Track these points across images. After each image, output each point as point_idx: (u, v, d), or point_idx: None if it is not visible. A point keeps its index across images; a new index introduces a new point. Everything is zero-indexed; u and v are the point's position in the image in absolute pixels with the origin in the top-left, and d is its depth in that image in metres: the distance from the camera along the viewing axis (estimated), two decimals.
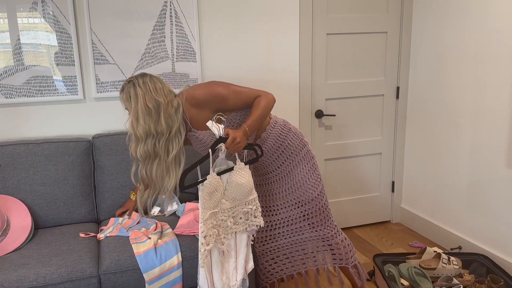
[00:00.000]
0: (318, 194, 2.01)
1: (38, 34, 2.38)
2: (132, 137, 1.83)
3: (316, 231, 2.06)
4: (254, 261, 2.05)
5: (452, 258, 2.53)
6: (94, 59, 2.50)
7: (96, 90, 2.54)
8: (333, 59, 3.06)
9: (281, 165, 2.00)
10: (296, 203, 2.03)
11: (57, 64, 2.44)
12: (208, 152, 1.68)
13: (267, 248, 2.08)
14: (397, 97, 3.29)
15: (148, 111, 1.76)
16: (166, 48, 2.64)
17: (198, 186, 1.68)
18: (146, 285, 1.85)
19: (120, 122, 2.62)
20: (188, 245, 1.98)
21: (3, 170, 2.23)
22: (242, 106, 1.86)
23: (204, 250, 1.67)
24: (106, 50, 2.52)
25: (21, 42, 2.36)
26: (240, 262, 1.82)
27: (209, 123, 1.69)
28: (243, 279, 1.87)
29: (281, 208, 2.04)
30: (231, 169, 1.74)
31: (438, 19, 2.93)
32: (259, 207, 1.82)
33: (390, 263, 2.59)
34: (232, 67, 2.81)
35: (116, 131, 2.56)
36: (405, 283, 2.42)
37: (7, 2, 2.30)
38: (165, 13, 2.59)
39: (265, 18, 2.80)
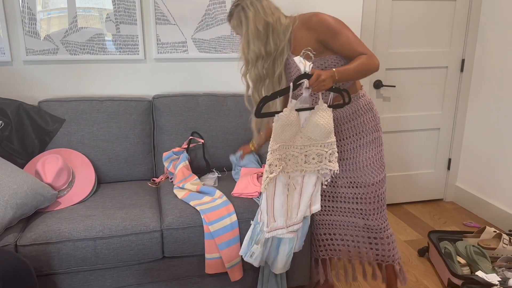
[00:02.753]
0: (379, 181, 1.90)
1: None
2: (243, 61, 1.84)
3: (366, 219, 1.96)
4: (311, 230, 2.04)
5: None
6: (156, 19, 2.49)
7: (157, 50, 2.55)
8: (397, 26, 2.91)
9: (346, 138, 1.91)
10: (350, 183, 1.95)
11: (120, 23, 2.45)
12: (289, 85, 1.61)
13: (326, 220, 2.03)
14: (462, 70, 3.12)
15: (258, 34, 1.74)
16: (226, 9, 2.59)
17: (274, 116, 1.63)
18: (206, 226, 1.89)
19: (179, 84, 2.62)
20: (246, 207, 1.98)
21: (68, 125, 2.29)
22: (344, 53, 1.75)
23: (267, 177, 1.66)
24: (168, 10, 2.50)
25: (79, 6, 2.38)
26: (305, 200, 1.79)
27: (297, 59, 1.61)
28: (305, 217, 1.85)
29: (340, 183, 1.98)
30: (311, 108, 1.67)
31: None
32: (336, 153, 1.74)
33: (446, 240, 2.51)
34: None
35: (176, 92, 2.57)
36: (462, 261, 2.34)
37: None
38: None
39: None
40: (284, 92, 1.63)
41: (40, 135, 2.26)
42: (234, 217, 1.95)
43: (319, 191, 1.83)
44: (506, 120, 2.85)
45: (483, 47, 3.01)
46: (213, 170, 2.40)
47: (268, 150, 1.65)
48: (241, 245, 1.93)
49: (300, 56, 1.62)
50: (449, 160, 3.31)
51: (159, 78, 2.60)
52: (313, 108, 1.67)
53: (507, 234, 2.49)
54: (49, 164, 2.07)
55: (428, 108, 3.16)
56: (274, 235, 1.79)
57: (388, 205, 3.28)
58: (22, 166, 2.17)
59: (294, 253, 1.91)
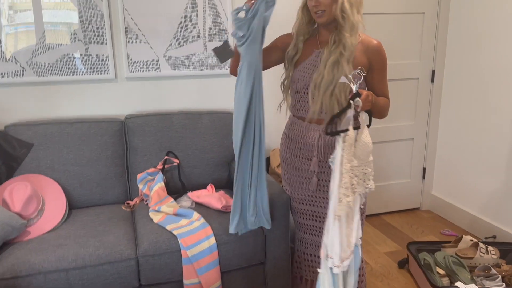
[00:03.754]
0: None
1: (66, 13, 2.33)
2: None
3: None
4: (297, 247, 2.00)
5: (489, 247, 2.46)
6: (126, 38, 2.44)
7: (128, 69, 2.49)
8: None
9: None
10: None
11: (89, 42, 2.39)
12: (349, 103, 1.54)
13: (313, 240, 1.95)
14: (432, 80, 3.18)
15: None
16: (198, 27, 2.56)
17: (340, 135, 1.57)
18: (184, 251, 1.84)
19: (152, 103, 2.57)
20: (224, 229, 1.94)
21: (36, 149, 2.20)
22: (375, 87, 1.76)
23: (348, 201, 1.57)
24: (138, 29, 2.46)
25: (47, 21, 2.31)
26: (355, 226, 1.68)
27: (343, 79, 1.57)
28: (355, 246, 1.71)
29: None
30: (358, 127, 1.61)
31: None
32: (373, 171, 1.70)
33: (425, 251, 2.53)
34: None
35: (149, 111, 2.51)
36: (441, 272, 2.36)
37: None
38: None
39: None
40: (345, 110, 1.58)
41: (7, 161, 2.16)
42: (212, 240, 1.90)
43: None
44: (477, 128, 2.91)
45: (452, 57, 3.08)
46: (190, 191, 2.34)
47: (343, 171, 1.58)
48: (221, 269, 1.89)
49: (352, 74, 1.57)
50: (424, 169, 3.36)
51: (132, 98, 2.54)
52: (359, 127, 1.61)
53: (483, 243, 2.53)
54: (17, 192, 1.98)
55: (401, 119, 3.20)
56: (343, 269, 1.62)
57: (366, 216, 3.29)
58: None
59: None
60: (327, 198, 1.85)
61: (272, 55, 1.86)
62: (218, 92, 2.71)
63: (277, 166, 2.64)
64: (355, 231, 1.70)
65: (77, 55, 2.39)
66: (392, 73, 3.02)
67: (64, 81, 2.40)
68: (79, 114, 2.46)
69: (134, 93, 2.54)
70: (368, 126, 1.70)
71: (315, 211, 1.91)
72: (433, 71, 3.16)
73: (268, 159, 2.80)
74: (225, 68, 2.66)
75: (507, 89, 2.66)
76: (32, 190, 2.02)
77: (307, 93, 1.76)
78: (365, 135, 1.65)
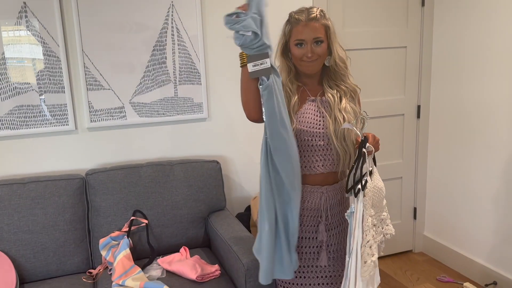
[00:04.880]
0: None
1: (23, 48, 2.09)
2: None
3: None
4: None
5: None
6: (87, 85, 2.21)
7: (90, 119, 2.25)
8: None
9: None
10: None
11: (45, 91, 2.14)
12: (362, 152, 1.44)
13: None
14: (418, 116, 3.03)
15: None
16: (167, 70, 2.35)
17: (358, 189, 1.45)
18: None
19: (118, 155, 2.32)
20: None
21: None
22: None
23: (371, 262, 1.45)
24: (100, 74, 2.23)
25: (6, 57, 2.07)
26: (375, 280, 1.57)
27: (348, 124, 1.47)
28: None
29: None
30: (370, 172, 1.49)
31: (460, 32, 2.68)
32: (388, 214, 1.59)
33: None
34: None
35: (114, 164, 2.26)
36: None
37: None
38: (166, 32, 2.32)
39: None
40: (359, 157, 1.45)
41: None
42: None
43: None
44: (467, 165, 2.75)
45: (437, 92, 2.94)
46: (159, 257, 2.07)
47: (365, 228, 1.43)
48: None
49: (354, 121, 1.50)
50: (415, 209, 3.17)
51: (94, 150, 2.29)
52: (371, 173, 1.49)
53: None
54: None
55: (388, 157, 3.02)
56: None
57: None
58: None
59: None
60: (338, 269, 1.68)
61: None
62: (191, 138, 2.48)
63: None
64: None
65: (32, 105, 2.13)
66: (376, 110, 2.88)
67: (16, 135, 2.14)
68: (34, 171, 2.19)
69: (97, 144, 2.29)
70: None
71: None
72: (419, 106, 3.01)
73: (248, 209, 2.56)
74: (198, 112, 2.45)
75: (494, 124, 2.52)
76: None
77: (310, 144, 1.56)
78: (378, 179, 1.51)
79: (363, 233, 1.45)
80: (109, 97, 2.27)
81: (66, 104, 2.19)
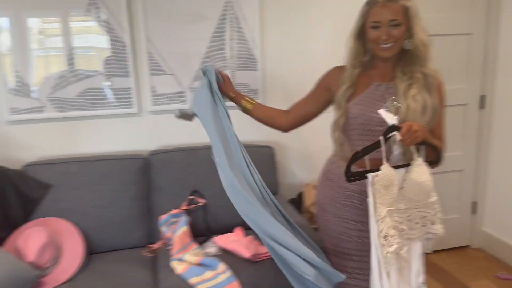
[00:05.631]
0: None
1: (90, 38, 2.22)
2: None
3: None
4: None
5: None
6: (150, 70, 2.32)
7: (152, 102, 2.36)
8: None
9: None
10: None
11: (112, 76, 2.27)
12: (379, 140, 1.42)
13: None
14: (482, 106, 2.89)
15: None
16: (225, 56, 2.41)
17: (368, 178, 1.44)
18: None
19: (178, 137, 2.42)
20: (255, 283, 1.73)
21: (55, 190, 2.08)
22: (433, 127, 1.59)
23: (387, 253, 1.42)
24: (163, 60, 2.33)
25: (73, 46, 2.21)
26: (414, 275, 1.52)
27: (382, 110, 1.43)
28: None
29: None
30: (407, 164, 1.47)
31: None
32: (439, 213, 1.52)
33: None
34: (296, 75, 2.54)
35: (174, 146, 2.36)
36: None
37: (60, 8, 2.16)
38: (225, 19, 2.37)
39: (334, 20, 2.51)
40: (374, 148, 1.44)
41: (24, 203, 2.04)
42: None
43: (421, 260, 1.54)
44: None
45: (504, 81, 2.79)
46: (215, 236, 2.15)
47: (376, 218, 1.43)
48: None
49: (386, 108, 1.44)
50: (474, 203, 3.04)
51: (156, 132, 2.40)
52: (408, 165, 1.45)
53: None
54: (32, 239, 1.85)
55: (448, 148, 2.91)
56: None
57: None
58: (3, 240, 1.95)
59: None
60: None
61: (320, 98, 1.70)
62: (246, 124, 2.52)
63: (312, 204, 2.41)
64: (414, 282, 1.52)
65: (99, 89, 2.27)
66: None
67: (85, 116, 2.29)
68: (101, 151, 2.33)
69: (158, 127, 2.40)
70: (434, 163, 1.51)
71: (361, 268, 1.66)
72: (482, 97, 2.87)
73: (300, 195, 2.59)
74: (257, 98, 2.48)
75: None
76: (48, 236, 1.88)
77: (368, 129, 1.55)
78: (420, 173, 1.44)
79: (376, 223, 1.42)
80: (170, 82, 2.37)
81: (130, 88, 2.31)
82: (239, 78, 2.45)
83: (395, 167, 1.46)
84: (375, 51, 1.52)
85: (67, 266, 1.89)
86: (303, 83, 2.53)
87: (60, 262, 1.90)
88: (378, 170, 1.42)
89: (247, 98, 1.80)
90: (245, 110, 1.80)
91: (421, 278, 1.54)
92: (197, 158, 2.28)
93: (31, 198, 2.05)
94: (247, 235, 2.15)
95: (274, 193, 2.40)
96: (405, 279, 1.50)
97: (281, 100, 2.53)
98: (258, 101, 2.47)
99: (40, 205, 2.06)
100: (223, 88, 1.75)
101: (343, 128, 1.64)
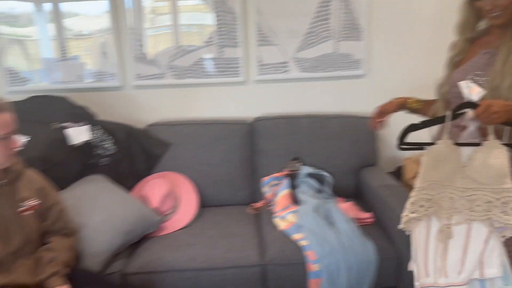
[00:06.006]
0: None
1: (202, 16, 2.41)
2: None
3: None
4: None
5: None
6: (258, 41, 2.45)
7: (258, 72, 2.49)
8: None
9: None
10: None
11: (223, 46, 2.44)
12: (446, 113, 1.40)
13: None
14: None
15: None
16: (329, 26, 2.45)
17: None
18: (309, 264, 1.75)
19: (280, 106, 2.54)
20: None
21: (173, 148, 2.33)
22: None
23: (406, 216, 1.46)
24: (271, 31, 2.43)
25: (181, 23, 2.42)
26: (471, 257, 1.46)
27: (464, 83, 1.38)
28: (479, 280, 1.48)
29: None
30: (476, 144, 1.40)
31: None
32: None
33: None
34: (403, 46, 2.49)
35: (277, 114, 2.49)
36: None
37: None
38: None
39: None
40: (436, 122, 1.43)
41: (148, 158, 2.32)
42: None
43: (497, 251, 1.44)
44: None
45: None
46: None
47: (414, 186, 1.46)
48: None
49: (469, 81, 1.39)
50: None
51: (260, 100, 2.54)
52: (479, 144, 1.39)
53: None
54: (156, 189, 2.11)
55: None
56: None
57: None
58: (130, 189, 2.25)
59: None
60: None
61: None
62: (348, 95, 2.56)
63: (412, 178, 2.39)
64: (471, 264, 1.45)
65: (211, 59, 2.46)
66: None
67: (199, 83, 2.50)
68: (212, 116, 2.54)
69: (262, 95, 2.54)
70: None
71: None
72: None
73: (399, 168, 2.57)
74: (356, 69, 2.51)
75: None
76: (169, 187, 2.13)
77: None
78: (491, 155, 1.35)
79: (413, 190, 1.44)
80: (275, 52, 2.47)
81: (239, 58, 2.47)
82: (343, 49, 2.48)
83: (463, 144, 1.39)
84: (488, 18, 1.47)
85: (184, 214, 2.13)
86: (409, 54, 2.50)
87: (178, 211, 2.14)
88: (433, 143, 1.40)
89: (410, 100, 1.73)
90: (414, 111, 1.74)
91: (492, 271, 1.45)
92: (299, 126, 2.38)
93: (153, 154, 2.32)
94: (347, 200, 2.22)
95: (372, 164, 2.43)
96: (453, 259, 1.46)
97: (384, 73, 2.53)
98: (359, 72, 2.51)
99: (161, 160, 2.32)
100: (387, 109, 1.73)
101: (446, 97, 1.60)
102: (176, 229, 2.05)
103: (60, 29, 2.40)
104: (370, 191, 2.17)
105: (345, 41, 2.48)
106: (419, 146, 1.43)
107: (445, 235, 1.46)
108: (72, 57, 2.43)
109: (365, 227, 1.94)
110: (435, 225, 1.48)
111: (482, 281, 1.46)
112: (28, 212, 1.46)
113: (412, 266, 1.54)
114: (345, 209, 2.05)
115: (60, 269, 1.46)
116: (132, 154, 2.31)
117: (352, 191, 2.37)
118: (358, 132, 2.40)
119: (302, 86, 2.54)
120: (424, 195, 1.44)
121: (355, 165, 2.37)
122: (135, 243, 1.95)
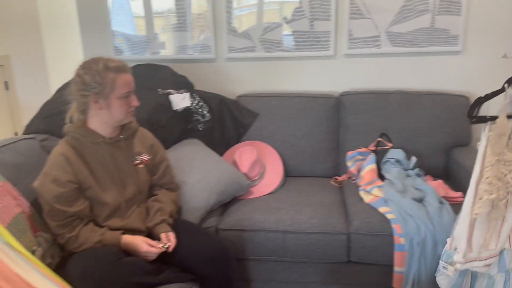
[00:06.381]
0: None
1: None
2: None
3: None
4: None
5: None
6: (350, 14, 2.43)
7: (347, 46, 2.49)
8: None
9: None
10: None
11: (314, 19, 2.46)
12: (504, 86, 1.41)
13: None
14: None
15: None
16: (427, 0, 2.36)
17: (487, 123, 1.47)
18: (396, 237, 1.77)
19: (368, 81, 2.52)
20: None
21: (261, 119, 2.42)
22: None
23: (487, 199, 1.43)
24: (364, 3, 2.41)
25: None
26: (506, 229, 1.50)
27: (509, 54, 1.42)
28: (504, 250, 1.52)
29: None
30: None
31: None
32: None
33: None
34: (505, 24, 2.34)
35: (364, 89, 2.48)
36: None
37: None
38: None
39: None
40: (496, 93, 1.45)
41: (237, 127, 2.44)
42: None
43: None
44: None
45: None
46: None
47: (486, 164, 1.43)
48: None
49: None
50: None
51: (348, 75, 2.54)
52: None
53: None
54: (245, 156, 2.22)
55: None
56: (469, 268, 1.53)
57: None
58: (220, 155, 2.39)
59: None
60: None
61: None
62: (442, 72, 2.47)
63: None
64: (504, 235, 1.48)
65: (302, 32, 2.50)
66: None
67: (287, 57, 2.56)
68: (298, 89, 2.59)
69: (350, 70, 2.53)
70: None
71: None
72: None
73: None
74: (453, 45, 2.40)
75: None
76: (257, 155, 2.24)
77: None
78: None
79: (482, 168, 1.41)
80: (367, 26, 2.45)
81: (330, 31, 2.47)
82: (439, 23, 2.38)
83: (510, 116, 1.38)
84: None
85: (270, 181, 2.24)
86: (509, 33, 2.34)
87: (264, 177, 2.25)
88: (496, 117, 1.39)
89: None
90: None
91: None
92: (387, 102, 2.35)
93: (242, 123, 2.43)
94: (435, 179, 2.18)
95: (466, 144, 2.34)
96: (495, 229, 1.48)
97: (482, 50, 2.39)
98: (456, 48, 2.40)
99: (249, 130, 2.43)
100: None
101: None
102: (262, 194, 2.16)
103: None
104: (462, 171, 2.11)
105: (442, 16, 2.38)
106: (486, 119, 1.47)
107: (500, 212, 1.47)
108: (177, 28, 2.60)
109: (454, 206, 1.90)
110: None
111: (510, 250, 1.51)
112: (141, 166, 1.64)
113: (457, 244, 1.53)
114: (435, 186, 2.01)
115: (166, 218, 1.62)
116: (223, 122, 2.45)
117: (442, 170, 2.32)
118: (451, 110, 2.32)
119: (392, 61, 2.49)
120: (495, 172, 1.42)
121: (446, 144, 2.30)
122: (226, 204, 2.10)
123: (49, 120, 1.95)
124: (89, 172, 1.51)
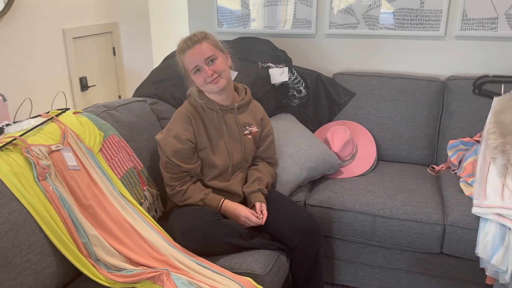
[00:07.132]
0: None
1: None
2: None
3: None
4: None
5: None
6: None
7: (460, 27, 2.30)
8: None
9: None
10: None
11: None
12: None
13: None
14: None
15: None
16: None
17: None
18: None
19: (480, 66, 2.33)
20: None
21: (356, 99, 2.37)
22: None
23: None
24: None
25: None
26: None
27: None
28: None
29: None
30: None
31: None
32: None
33: None
34: None
35: (474, 75, 2.29)
36: None
37: None
38: None
39: None
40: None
41: (331, 105, 2.41)
42: None
43: None
44: None
45: None
46: None
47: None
48: None
49: None
50: None
51: (457, 58, 2.37)
52: None
53: None
54: (337, 135, 2.20)
55: None
56: (481, 213, 1.68)
57: None
58: (312, 131, 2.39)
59: None
60: None
61: None
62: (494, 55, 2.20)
63: None
64: None
65: (410, 9, 2.36)
66: None
67: (391, 35, 2.44)
68: (400, 70, 2.48)
69: (460, 53, 2.35)
70: None
71: None
72: None
73: None
74: None
75: None
76: (350, 135, 2.20)
77: None
78: None
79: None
80: (485, 6, 2.24)
81: (441, 10, 2.31)
82: None
83: None
84: None
85: (361, 163, 2.19)
86: None
87: (356, 158, 2.21)
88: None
89: None
90: None
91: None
92: (500, 89, 2.16)
93: (338, 102, 2.40)
94: None
95: None
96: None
97: None
98: None
99: (343, 109, 2.39)
100: None
101: None
102: (353, 175, 2.13)
103: None
104: None
105: None
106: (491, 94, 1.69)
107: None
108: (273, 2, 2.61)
109: None
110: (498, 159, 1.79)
111: None
112: (249, 136, 1.71)
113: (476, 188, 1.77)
114: None
115: (263, 188, 1.68)
116: (318, 99, 2.43)
117: None
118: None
119: (509, 46, 2.26)
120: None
121: None
122: (314, 181, 2.11)
123: (158, 86, 2.08)
124: (206, 135, 1.62)
